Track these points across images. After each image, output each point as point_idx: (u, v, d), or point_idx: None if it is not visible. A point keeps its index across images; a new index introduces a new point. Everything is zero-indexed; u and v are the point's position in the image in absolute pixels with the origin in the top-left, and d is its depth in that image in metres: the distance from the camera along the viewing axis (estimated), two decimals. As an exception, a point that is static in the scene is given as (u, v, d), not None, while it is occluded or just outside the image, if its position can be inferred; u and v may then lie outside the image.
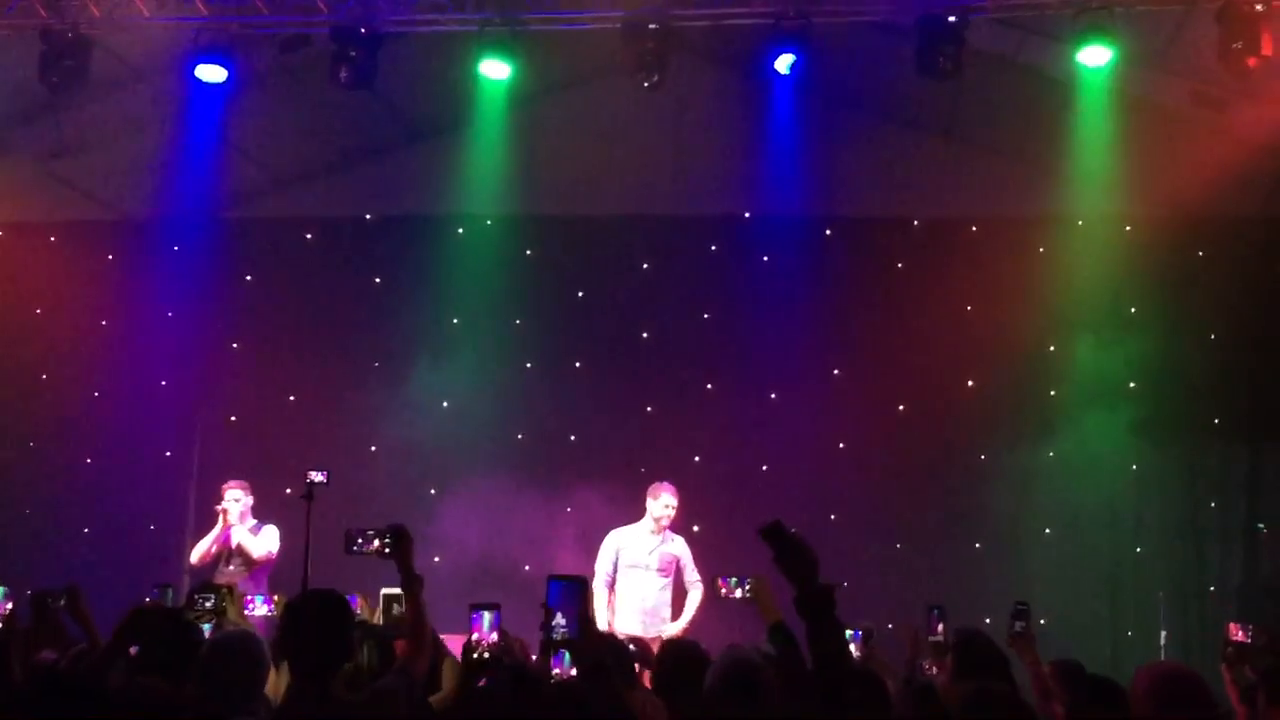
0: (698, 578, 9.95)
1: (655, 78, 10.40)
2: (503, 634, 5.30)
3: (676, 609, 9.97)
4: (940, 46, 10.04)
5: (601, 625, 9.59)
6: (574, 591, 4.26)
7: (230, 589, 6.05)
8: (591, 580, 9.79)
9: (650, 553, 9.95)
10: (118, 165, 12.10)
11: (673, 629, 9.65)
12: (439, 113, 12.50)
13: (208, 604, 5.75)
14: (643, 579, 9.93)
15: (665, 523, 9.95)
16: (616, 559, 9.99)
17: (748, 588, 5.65)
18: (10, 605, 5.79)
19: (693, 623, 9.77)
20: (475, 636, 5.06)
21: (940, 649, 6.15)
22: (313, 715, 4.23)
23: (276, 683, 5.20)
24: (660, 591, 9.95)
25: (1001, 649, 5.47)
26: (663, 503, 9.95)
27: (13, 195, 12.25)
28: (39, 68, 10.61)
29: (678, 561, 10.01)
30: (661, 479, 10.17)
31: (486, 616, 5.06)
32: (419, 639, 4.83)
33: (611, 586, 9.98)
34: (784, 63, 10.27)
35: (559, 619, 4.23)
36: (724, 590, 5.77)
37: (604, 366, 12.35)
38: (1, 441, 12.54)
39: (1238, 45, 9.44)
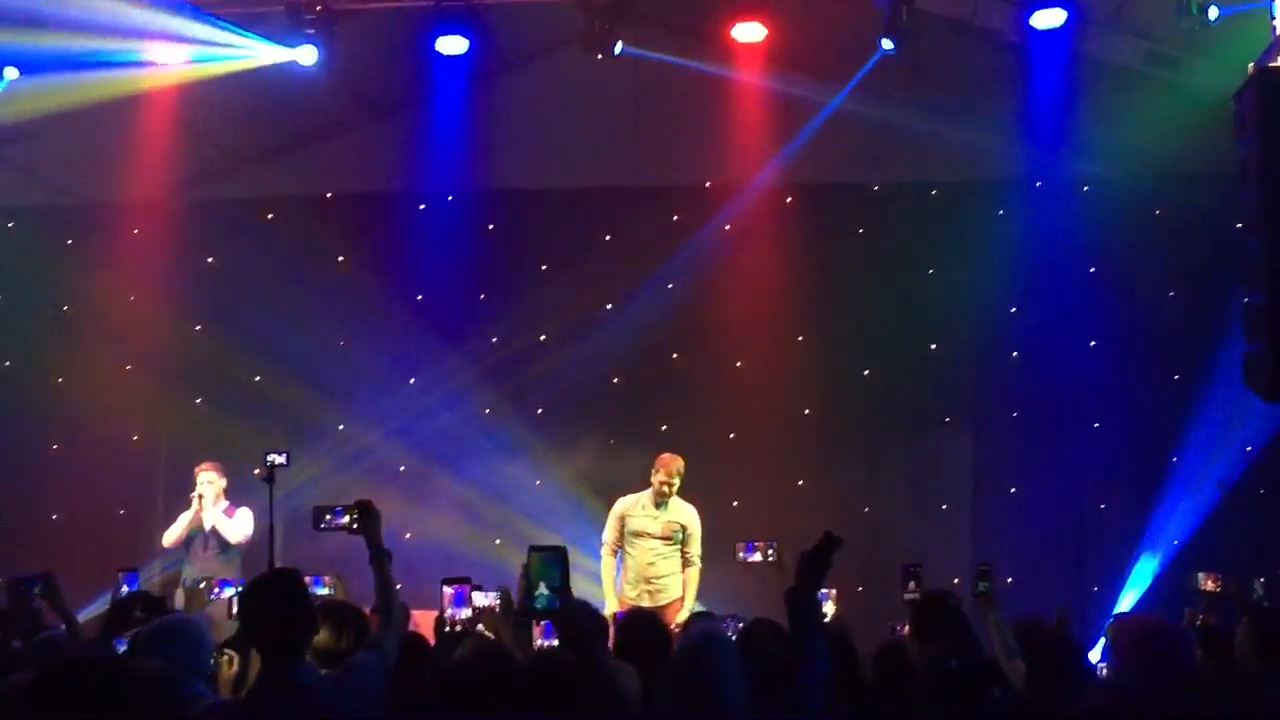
0: (698, 553, 9.91)
1: (612, 49, 10.41)
2: (476, 609, 5.35)
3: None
4: (895, 11, 10.09)
5: (607, 594, 9.69)
6: (554, 561, 4.29)
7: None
8: (598, 551, 9.94)
9: (654, 519, 9.96)
10: (74, 149, 12.01)
11: (682, 616, 9.52)
12: (397, 90, 12.47)
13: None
14: (645, 546, 9.93)
15: (667, 491, 9.94)
16: (622, 527, 10.01)
17: (772, 552, 5.70)
18: None
19: (696, 600, 9.79)
20: (448, 612, 5.12)
21: (911, 607, 6.23)
22: (284, 693, 4.25)
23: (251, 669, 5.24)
24: (663, 560, 9.90)
25: (963, 609, 5.55)
26: (659, 479, 9.97)
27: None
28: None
29: (684, 530, 9.96)
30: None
31: (457, 592, 5.12)
32: (389, 613, 4.87)
33: (616, 555, 10.01)
34: (746, 32, 10.32)
35: (541, 589, 4.27)
36: (742, 554, 5.82)
37: (569, 339, 12.35)
38: None
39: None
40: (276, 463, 7.83)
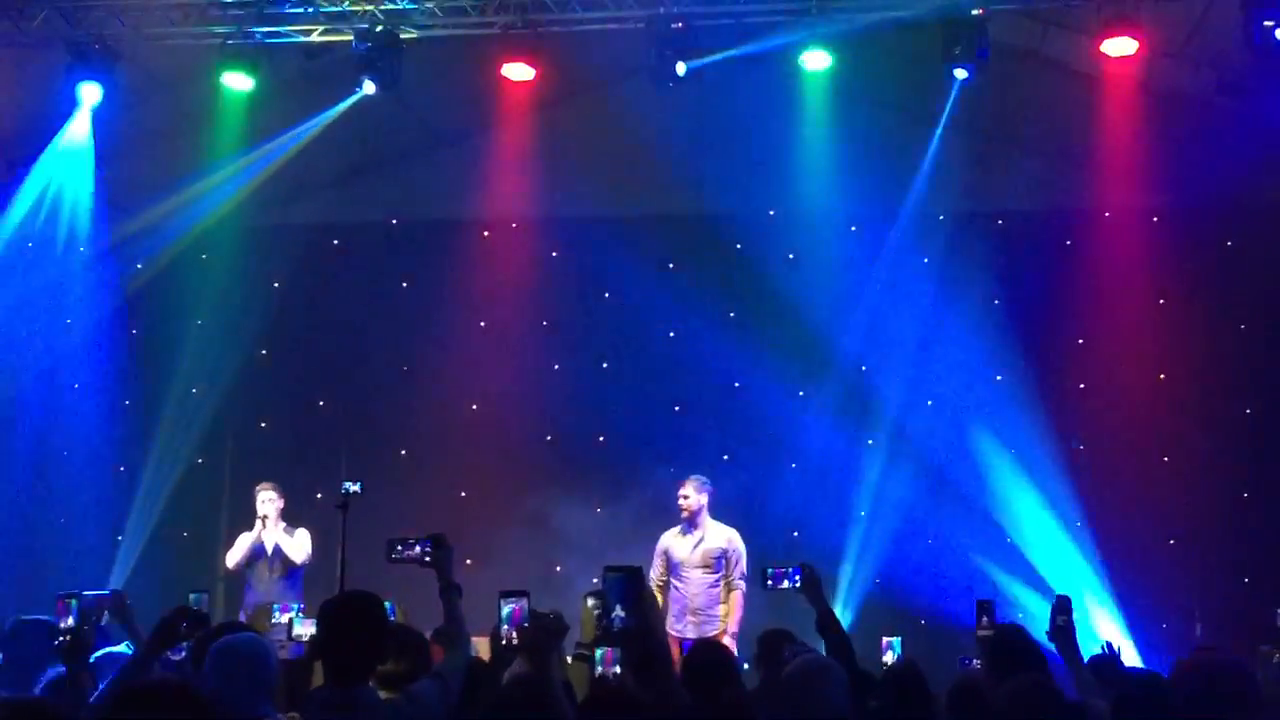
0: (741, 576, 9.77)
1: (676, 74, 10.41)
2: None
3: None
4: (963, 41, 10.04)
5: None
6: (631, 582, 4.25)
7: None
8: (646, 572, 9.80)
9: (693, 549, 9.87)
10: (144, 176, 12.17)
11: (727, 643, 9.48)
12: (463, 117, 12.54)
13: None
14: (690, 578, 9.85)
15: (685, 514, 9.90)
16: (667, 561, 9.95)
17: (797, 579, 5.68)
18: (74, 620, 5.79)
19: (739, 624, 9.68)
20: (504, 627, 5.08)
21: (986, 644, 6.14)
22: (343, 712, 4.26)
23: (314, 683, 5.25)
24: (710, 589, 9.79)
25: (1037, 643, 5.47)
26: (679, 495, 9.94)
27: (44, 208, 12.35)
28: (66, 79, 10.71)
29: (726, 554, 9.83)
30: (691, 476, 10.15)
31: (514, 605, 5.08)
32: (455, 645, 4.86)
33: (664, 590, 9.90)
34: (813, 60, 10.31)
35: (617, 610, 4.22)
36: (771, 582, 5.79)
37: (631, 367, 12.36)
38: None
39: (1270, 23, 9.39)
40: (352, 490, 7.82)
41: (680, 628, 9.71)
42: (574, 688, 5.76)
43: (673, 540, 9.99)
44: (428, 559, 5.01)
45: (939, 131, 11.33)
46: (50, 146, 11.74)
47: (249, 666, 4.77)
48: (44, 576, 11.37)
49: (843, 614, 11.22)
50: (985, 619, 6.33)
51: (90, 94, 10.84)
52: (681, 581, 9.86)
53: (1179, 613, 11.12)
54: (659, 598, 9.83)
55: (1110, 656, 6.21)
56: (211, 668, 4.74)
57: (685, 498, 9.90)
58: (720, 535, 9.92)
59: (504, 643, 5.07)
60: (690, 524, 9.91)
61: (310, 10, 10.66)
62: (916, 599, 11.09)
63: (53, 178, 12.06)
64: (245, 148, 11.84)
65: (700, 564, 9.83)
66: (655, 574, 9.93)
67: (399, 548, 5.12)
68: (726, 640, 9.45)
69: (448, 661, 4.79)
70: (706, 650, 5.85)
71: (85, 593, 6.11)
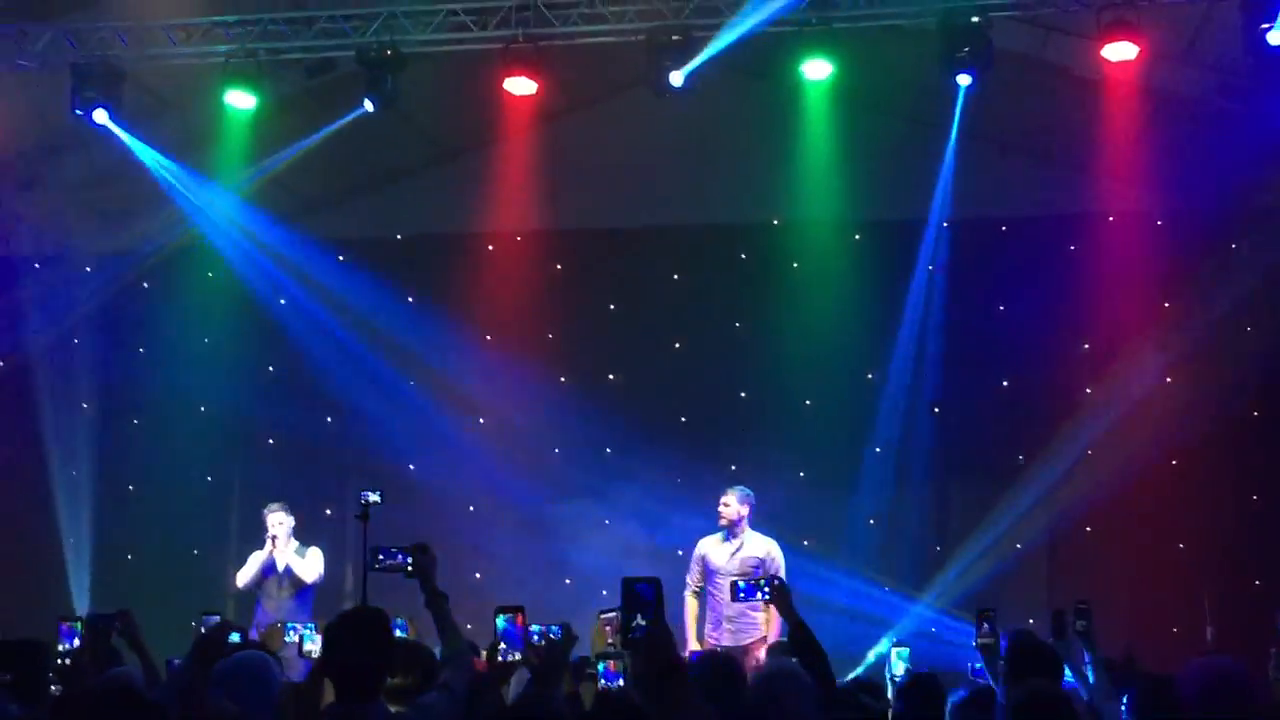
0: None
1: (679, 88, 10.42)
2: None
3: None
4: (964, 47, 10.05)
5: (689, 634, 9.61)
6: (648, 591, 4.23)
7: None
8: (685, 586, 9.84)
9: (731, 557, 9.83)
10: (149, 194, 12.19)
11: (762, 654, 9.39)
12: (466, 131, 12.57)
13: None
14: (725, 585, 9.82)
15: (723, 521, 9.89)
16: (704, 567, 9.92)
17: (767, 592, 5.70)
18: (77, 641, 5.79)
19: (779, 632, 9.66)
20: (501, 644, 5.07)
21: (990, 651, 6.12)
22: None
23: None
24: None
25: (1052, 649, 5.46)
26: (720, 502, 9.93)
27: (48, 227, 12.37)
28: (69, 100, 10.74)
29: (764, 564, 9.74)
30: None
31: (509, 619, 5.07)
32: (454, 655, 4.85)
33: (699, 596, 9.89)
34: (814, 70, 10.33)
35: (638, 619, 4.19)
36: (743, 596, 5.82)
37: (638, 378, 12.36)
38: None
39: (1266, 25, 9.39)
40: (372, 500, 7.82)
41: (716, 635, 9.69)
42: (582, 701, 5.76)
43: (711, 547, 9.94)
44: (410, 568, 4.99)
45: (953, 139, 11.29)
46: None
47: (251, 684, 4.80)
48: (53, 596, 11.39)
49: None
50: (985, 626, 6.31)
51: (100, 117, 10.84)
52: (717, 589, 9.81)
53: (1189, 616, 11.12)
54: (694, 604, 9.86)
55: (1122, 660, 6.20)
56: (216, 684, 4.76)
57: (726, 505, 9.86)
58: (760, 545, 9.85)
59: (501, 660, 5.07)
60: (730, 532, 9.86)
61: (311, 28, 10.69)
62: (925, 608, 11.09)
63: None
64: (249, 165, 11.86)
65: (738, 572, 9.71)
66: (691, 580, 9.90)
67: (381, 556, 5.11)
68: (763, 650, 9.43)
69: (451, 673, 4.78)
70: (711, 662, 5.84)
71: (93, 612, 6.12)
